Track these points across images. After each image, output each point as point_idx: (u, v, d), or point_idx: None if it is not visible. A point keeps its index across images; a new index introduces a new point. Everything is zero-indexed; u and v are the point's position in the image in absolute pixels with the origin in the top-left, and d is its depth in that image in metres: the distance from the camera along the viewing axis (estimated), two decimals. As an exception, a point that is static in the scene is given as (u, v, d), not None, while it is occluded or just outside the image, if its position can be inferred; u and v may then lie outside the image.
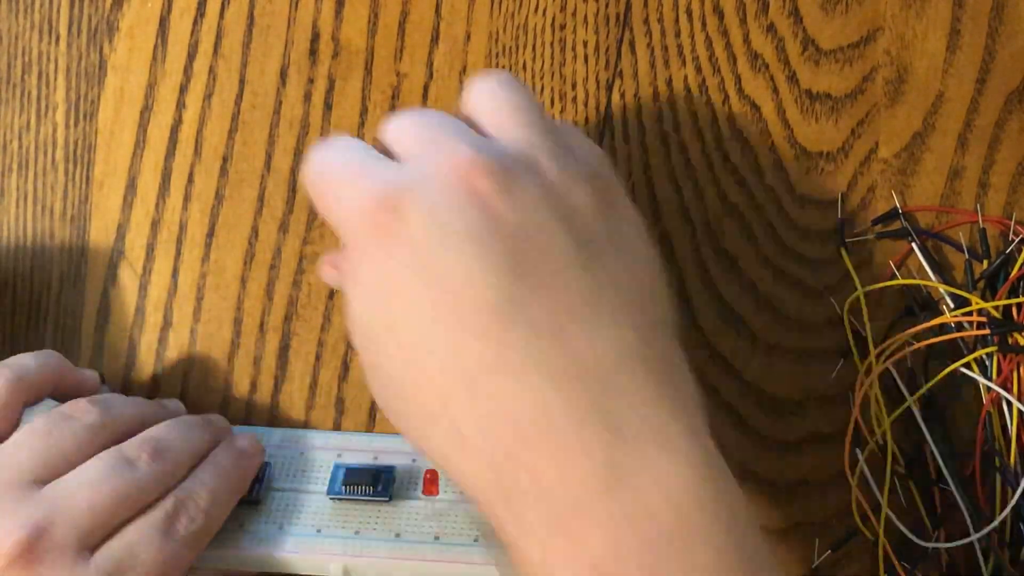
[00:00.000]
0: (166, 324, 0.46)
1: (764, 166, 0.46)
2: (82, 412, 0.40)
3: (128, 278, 0.47)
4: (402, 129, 0.37)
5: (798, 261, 0.46)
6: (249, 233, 0.47)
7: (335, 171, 0.37)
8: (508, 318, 0.33)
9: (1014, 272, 0.44)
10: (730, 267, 0.46)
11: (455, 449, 0.34)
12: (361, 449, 0.44)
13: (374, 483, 0.42)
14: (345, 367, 0.46)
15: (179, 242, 0.47)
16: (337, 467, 0.43)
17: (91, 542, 0.38)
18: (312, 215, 0.47)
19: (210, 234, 0.47)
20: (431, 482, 0.43)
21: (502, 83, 0.38)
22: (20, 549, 0.37)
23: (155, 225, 0.47)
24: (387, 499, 0.42)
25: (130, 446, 0.40)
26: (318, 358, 0.46)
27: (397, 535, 0.42)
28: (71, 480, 0.39)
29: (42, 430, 0.39)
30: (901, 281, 0.45)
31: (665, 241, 0.46)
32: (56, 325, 0.46)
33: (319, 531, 0.42)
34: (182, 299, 0.46)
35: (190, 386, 0.46)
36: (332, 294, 0.46)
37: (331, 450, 0.44)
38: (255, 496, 0.43)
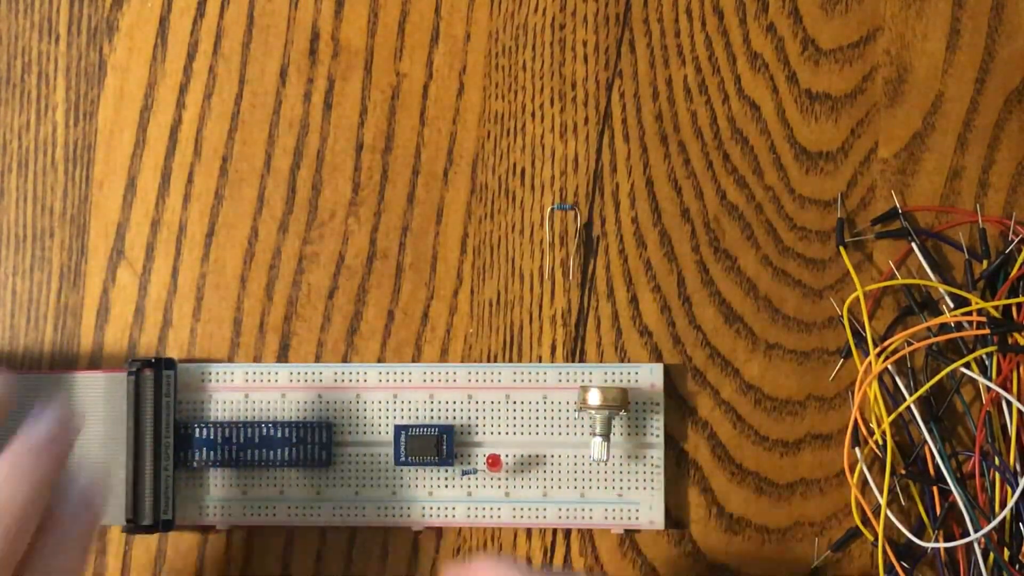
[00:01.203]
0: (166, 324, 0.46)
1: (764, 166, 0.46)
2: None
3: (128, 278, 0.47)
4: None
5: (798, 261, 0.46)
6: (249, 233, 0.47)
7: None
8: None
9: (1014, 272, 0.44)
10: (730, 267, 0.46)
11: None
12: (415, 386, 0.45)
13: (437, 450, 0.44)
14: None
15: (179, 242, 0.47)
16: (398, 431, 0.44)
17: None
18: (311, 215, 0.47)
19: (210, 234, 0.47)
20: (494, 464, 0.44)
21: None
22: None
23: (155, 225, 0.47)
24: (451, 463, 0.44)
25: None
26: (318, 358, 0.46)
27: (468, 494, 0.44)
28: None
29: None
30: (901, 281, 0.45)
31: (665, 241, 0.46)
32: (56, 325, 0.46)
33: (394, 494, 0.44)
34: (182, 299, 0.46)
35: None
36: (332, 294, 0.46)
37: (387, 389, 0.45)
38: (324, 459, 0.44)
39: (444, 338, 0.46)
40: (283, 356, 0.46)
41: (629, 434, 0.44)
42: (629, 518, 0.44)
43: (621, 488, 0.44)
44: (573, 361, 0.46)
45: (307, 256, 0.46)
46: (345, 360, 0.46)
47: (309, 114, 0.47)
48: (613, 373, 0.45)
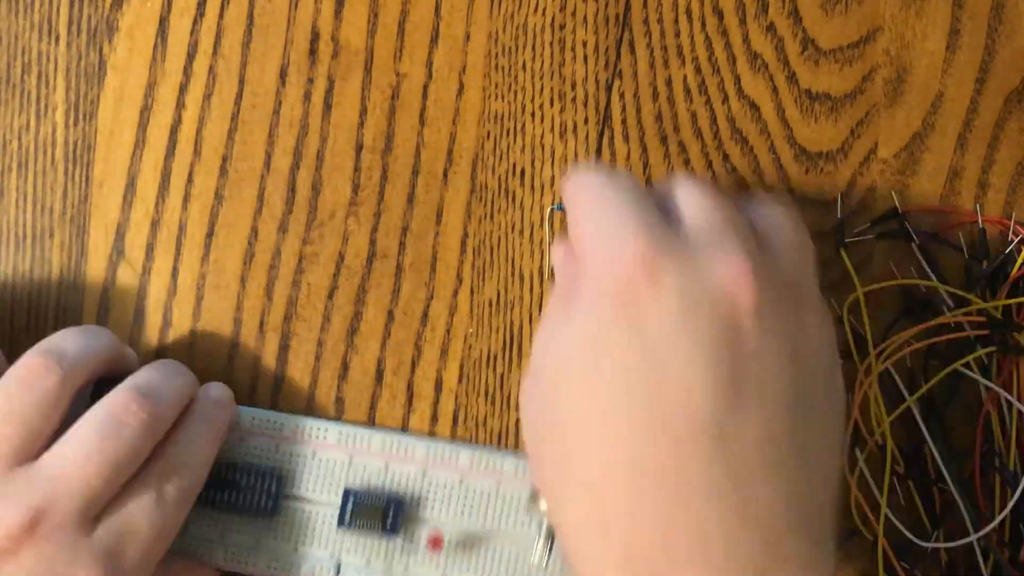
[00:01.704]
0: (166, 324, 0.46)
1: (764, 166, 0.46)
2: (132, 416, 0.39)
3: (128, 278, 0.47)
4: (695, 196, 0.36)
5: (798, 261, 0.46)
6: (249, 233, 0.47)
7: (613, 199, 0.36)
8: (709, 446, 0.33)
9: (1014, 272, 0.44)
10: (730, 267, 0.46)
11: (591, 526, 0.34)
12: (372, 453, 0.44)
13: (383, 519, 0.43)
14: (345, 367, 0.46)
15: (179, 242, 0.47)
16: (347, 493, 0.43)
17: (90, 515, 0.38)
18: (311, 215, 0.47)
19: (210, 234, 0.47)
20: (435, 544, 0.43)
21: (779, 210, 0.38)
22: (21, 532, 0.37)
23: (155, 225, 0.47)
24: (396, 535, 0.43)
25: (117, 403, 0.39)
26: (318, 358, 0.46)
27: (405, 568, 0.44)
28: (66, 452, 0.38)
29: (96, 439, 0.39)
30: (901, 281, 0.45)
31: (665, 241, 0.46)
32: (56, 325, 0.46)
33: (332, 556, 0.44)
34: (182, 299, 0.46)
35: (190, 386, 0.46)
36: (332, 294, 0.46)
37: (343, 449, 0.44)
38: (269, 508, 0.43)
39: (444, 338, 0.46)
40: (283, 356, 0.46)
41: None
42: None
43: None
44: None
45: (307, 256, 0.46)
46: (345, 362, 0.46)
47: (309, 114, 0.47)
48: None
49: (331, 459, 0.44)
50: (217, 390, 0.44)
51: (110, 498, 0.39)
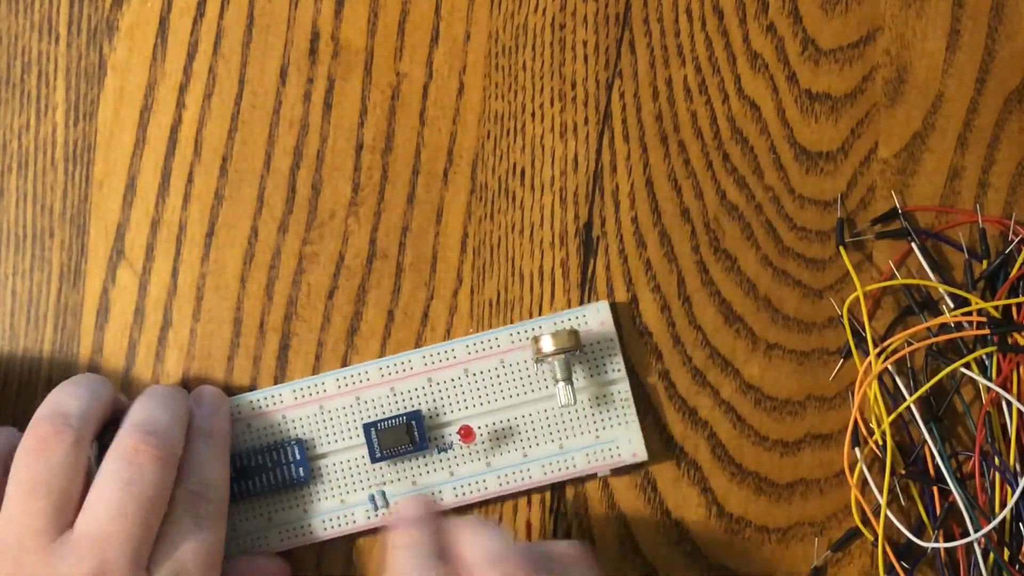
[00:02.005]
0: (166, 324, 0.46)
1: (764, 166, 0.46)
2: (145, 455, 0.39)
3: (128, 278, 0.47)
4: (475, 545, 0.38)
5: (798, 261, 0.46)
6: (248, 233, 0.47)
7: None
8: None
9: (1014, 272, 0.44)
10: (730, 267, 0.46)
11: None
12: (374, 384, 0.45)
13: (410, 438, 0.44)
14: (344, 367, 0.46)
15: (179, 242, 0.47)
16: (367, 429, 0.44)
17: (143, 564, 0.38)
18: (311, 215, 0.47)
19: (210, 234, 0.47)
20: (467, 435, 0.44)
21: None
22: None
23: (155, 225, 0.47)
24: (426, 447, 0.44)
25: (128, 447, 0.40)
26: (318, 358, 0.46)
27: (451, 474, 0.44)
28: (99, 511, 0.38)
29: (120, 490, 0.39)
30: (901, 281, 0.45)
31: (665, 241, 0.46)
32: (56, 325, 0.46)
33: (383, 493, 0.44)
34: (182, 299, 0.46)
35: (190, 386, 0.46)
36: (332, 294, 0.46)
37: (348, 394, 0.45)
38: (302, 476, 0.44)
39: (444, 338, 0.46)
40: (283, 356, 0.46)
41: (591, 376, 0.44)
42: (610, 457, 0.44)
43: (597, 430, 0.44)
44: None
45: (307, 256, 0.46)
46: (345, 362, 0.46)
47: (309, 114, 0.47)
48: (561, 321, 0.45)
49: (339, 406, 0.45)
50: (208, 398, 0.44)
51: (153, 541, 0.39)
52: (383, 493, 0.44)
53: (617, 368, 0.45)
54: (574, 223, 0.46)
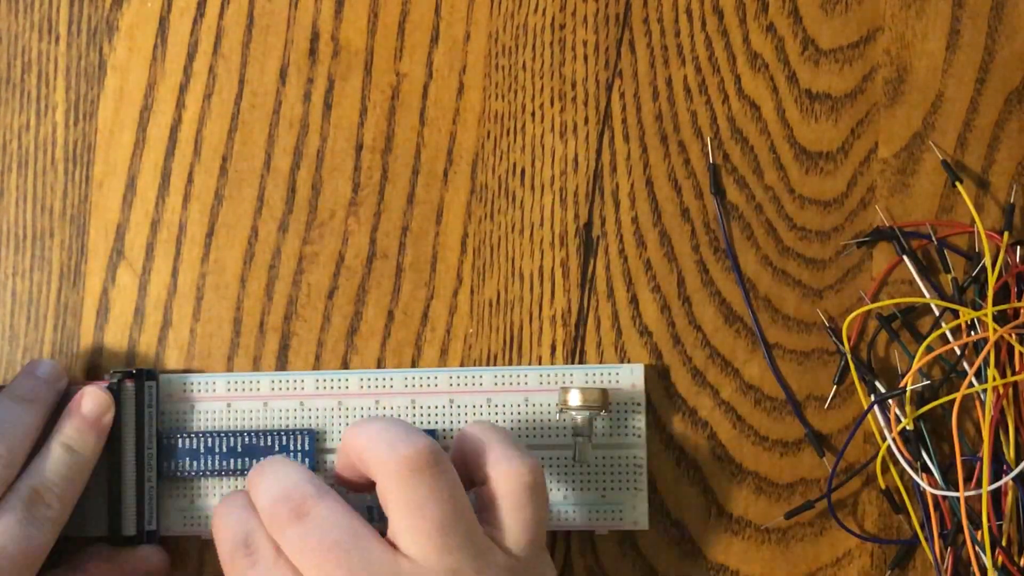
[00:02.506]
0: (166, 324, 0.46)
1: (764, 166, 0.46)
2: None
3: (128, 278, 0.47)
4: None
5: (798, 261, 0.46)
6: (249, 233, 0.47)
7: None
8: None
9: (995, 279, 0.44)
10: (730, 267, 0.46)
11: None
12: (397, 392, 0.45)
13: None
14: (344, 367, 0.46)
15: (179, 242, 0.47)
16: None
17: None
18: (311, 215, 0.47)
19: (210, 234, 0.47)
20: None
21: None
22: None
23: (155, 225, 0.47)
24: None
25: None
26: (318, 358, 0.46)
27: None
28: None
29: None
30: (894, 301, 0.45)
31: (665, 241, 0.46)
32: (56, 325, 0.46)
33: (375, 499, 0.44)
34: (182, 299, 0.46)
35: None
36: (332, 294, 0.46)
37: (369, 396, 0.44)
38: (309, 466, 0.44)
39: (444, 338, 0.46)
40: (283, 356, 0.46)
41: (611, 434, 0.44)
42: (613, 519, 0.44)
43: (604, 489, 0.44)
44: (573, 362, 0.46)
45: (307, 256, 0.46)
46: (345, 361, 0.46)
47: (309, 114, 0.47)
48: (594, 374, 0.45)
49: (357, 406, 0.45)
50: (89, 403, 0.43)
51: None
52: (369, 509, 0.44)
53: (637, 433, 0.44)
54: (574, 223, 0.46)
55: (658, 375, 0.45)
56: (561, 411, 0.43)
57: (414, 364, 0.46)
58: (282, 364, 0.46)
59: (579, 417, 0.43)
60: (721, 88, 0.47)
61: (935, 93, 0.46)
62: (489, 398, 0.44)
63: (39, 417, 0.42)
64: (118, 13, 0.47)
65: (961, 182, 0.45)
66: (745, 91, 0.47)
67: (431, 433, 0.44)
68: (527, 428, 0.44)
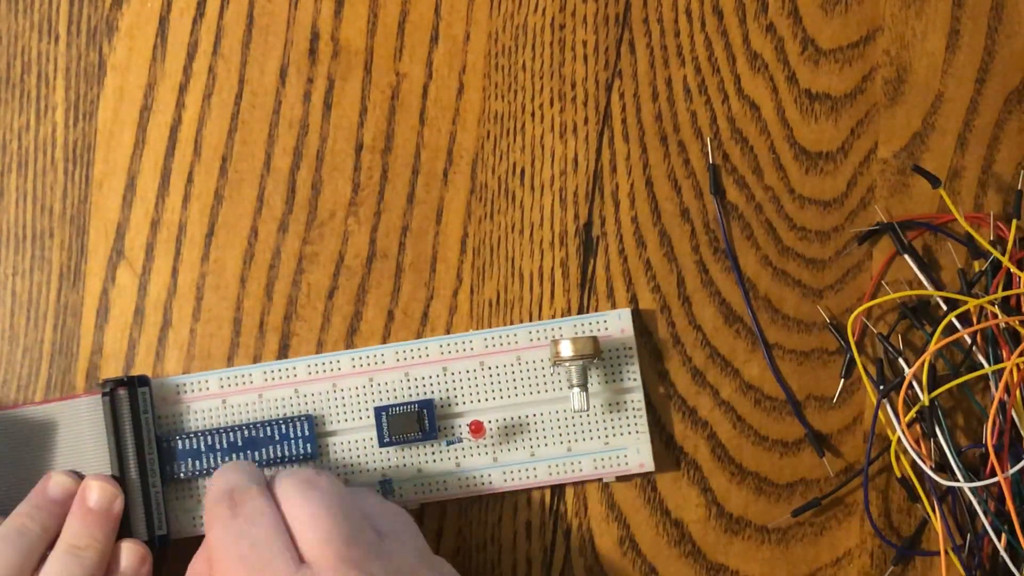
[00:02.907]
0: (166, 324, 0.46)
1: (764, 166, 0.46)
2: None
3: (128, 278, 0.47)
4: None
5: (798, 261, 0.46)
6: (248, 233, 0.47)
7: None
8: None
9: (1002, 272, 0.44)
10: (730, 267, 0.46)
11: None
12: (389, 367, 0.45)
13: (420, 426, 0.44)
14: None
15: (178, 242, 0.47)
16: (378, 412, 0.44)
17: None
18: (311, 215, 0.47)
19: (209, 234, 0.47)
20: (476, 430, 0.44)
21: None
22: None
23: (154, 225, 0.47)
24: (435, 437, 0.44)
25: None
26: (318, 358, 0.46)
27: (457, 465, 0.44)
28: None
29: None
30: (897, 295, 0.45)
31: (665, 241, 0.46)
32: (56, 325, 0.46)
33: (385, 477, 0.44)
34: (182, 299, 0.46)
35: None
36: (332, 294, 0.46)
37: (362, 374, 0.45)
38: (309, 451, 0.44)
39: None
40: (283, 356, 0.46)
41: (607, 382, 0.44)
42: (618, 465, 0.44)
43: (606, 437, 0.44)
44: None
45: (307, 256, 0.46)
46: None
47: (309, 114, 0.47)
48: (582, 324, 0.45)
49: (352, 386, 0.45)
50: (95, 493, 0.42)
51: None
52: (389, 482, 0.44)
53: (633, 377, 0.44)
54: (574, 223, 0.46)
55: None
56: (555, 364, 0.43)
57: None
58: (282, 364, 0.46)
59: (573, 367, 0.43)
60: (721, 88, 0.47)
61: (935, 93, 0.46)
62: (482, 361, 0.45)
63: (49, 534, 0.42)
64: (118, 13, 0.47)
65: (941, 184, 0.45)
66: (745, 91, 0.47)
67: (427, 404, 0.44)
68: (522, 386, 0.44)
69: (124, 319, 0.46)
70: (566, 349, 0.43)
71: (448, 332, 0.46)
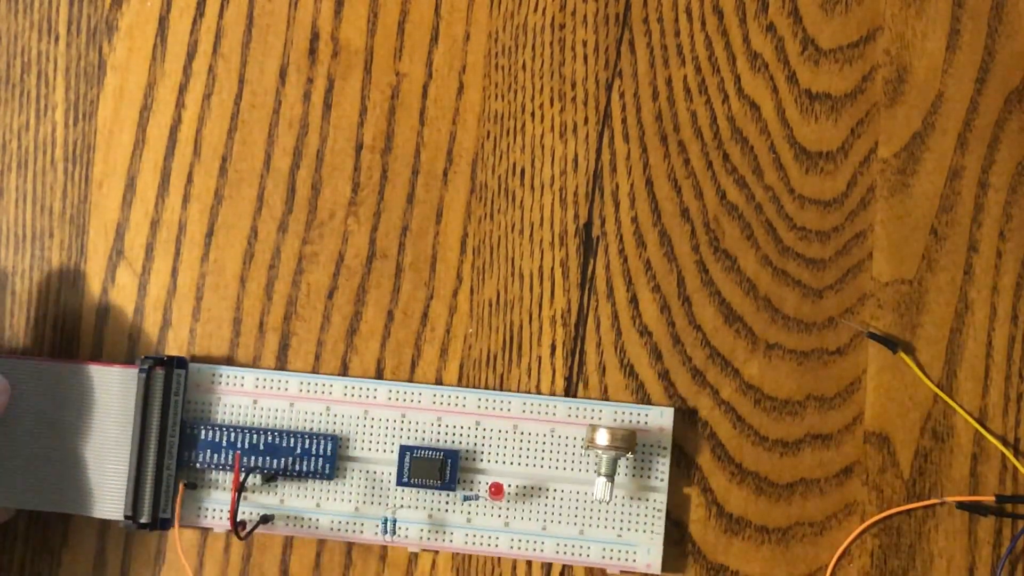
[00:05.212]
0: (166, 324, 0.46)
1: (764, 166, 0.46)
2: None
3: (127, 278, 0.47)
4: None
5: (798, 261, 0.46)
6: (248, 233, 0.47)
7: None
8: None
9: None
10: (730, 267, 0.46)
11: None
12: (424, 408, 0.45)
13: (440, 474, 0.44)
14: (344, 367, 0.46)
15: (178, 242, 0.47)
16: (403, 451, 0.44)
17: None
18: (311, 215, 0.47)
19: (209, 234, 0.47)
20: (496, 492, 0.44)
21: None
22: None
23: (154, 225, 0.47)
24: (454, 488, 0.44)
25: None
26: (317, 358, 0.46)
27: (468, 520, 0.44)
28: None
29: None
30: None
31: (665, 241, 0.46)
32: (56, 325, 0.46)
33: (394, 514, 0.44)
34: (181, 299, 0.46)
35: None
36: (332, 294, 0.46)
37: (395, 408, 0.45)
38: (327, 472, 0.44)
39: (444, 338, 0.46)
40: (282, 356, 0.46)
41: (634, 475, 0.44)
42: (626, 560, 0.44)
43: (621, 529, 0.44)
44: (572, 362, 0.46)
45: (307, 256, 0.46)
46: (344, 362, 0.46)
47: (309, 114, 0.47)
48: (623, 413, 0.44)
49: (384, 417, 0.45)
50: None
51: None
52: (395, 521, 0.44)
53: (660, 477, 0.44)
54: (574, 223, 0.46)
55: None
56: (587, 447, 0.43)
57: (414, 364, 0.46)
58: (281, 364, 0.46)
59: (604, 456, 0.43)
60: (721, 88, 0.47)
61: (935, 93, 0.46)
62: (516, 424, 0.44)
63: None
64: (118, 13, 0.47)
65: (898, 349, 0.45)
66: (745, 91, 0.47)
67: (452, 455, 0.44)
68: (550, 459, 0.44)
69: (124, 319, 0.46)
70: (602, 437, 0.42)
71: (448, 332, 0.46)
